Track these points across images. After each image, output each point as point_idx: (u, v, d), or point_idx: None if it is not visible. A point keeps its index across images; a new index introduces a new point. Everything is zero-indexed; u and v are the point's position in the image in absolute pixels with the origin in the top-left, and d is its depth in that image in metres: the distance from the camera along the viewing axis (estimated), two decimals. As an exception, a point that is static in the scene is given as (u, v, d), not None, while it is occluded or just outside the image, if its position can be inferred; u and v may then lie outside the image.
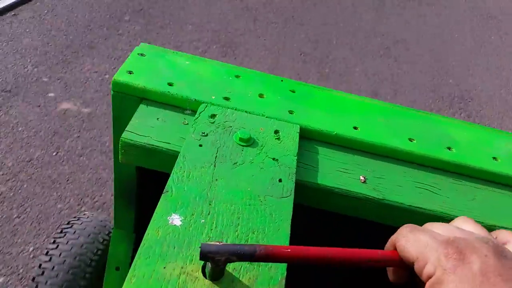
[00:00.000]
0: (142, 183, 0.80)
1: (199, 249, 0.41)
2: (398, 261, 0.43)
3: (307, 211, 0.69)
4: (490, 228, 0.66)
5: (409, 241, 0.42)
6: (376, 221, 0.68)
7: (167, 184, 0.56)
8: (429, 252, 0.39)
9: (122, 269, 0.96)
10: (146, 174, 0.73)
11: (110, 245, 0.94)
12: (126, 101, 0.74)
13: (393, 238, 0.46)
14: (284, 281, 0.47)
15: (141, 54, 0.79)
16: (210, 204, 0.54)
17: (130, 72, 0.74)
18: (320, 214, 0.72)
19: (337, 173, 0.68)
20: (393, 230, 0.48)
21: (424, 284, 0.39)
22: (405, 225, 0.45)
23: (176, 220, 0.51)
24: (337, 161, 0.71)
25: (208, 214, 0.53)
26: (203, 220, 0.52)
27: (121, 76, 0.73)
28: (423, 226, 0.46)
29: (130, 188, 0.81)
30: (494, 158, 0.76)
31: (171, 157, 0.63)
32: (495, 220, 0.67)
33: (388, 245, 0.46)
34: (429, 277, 0.38)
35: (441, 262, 0.38)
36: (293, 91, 0.80)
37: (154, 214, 0.52)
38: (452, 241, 0.39)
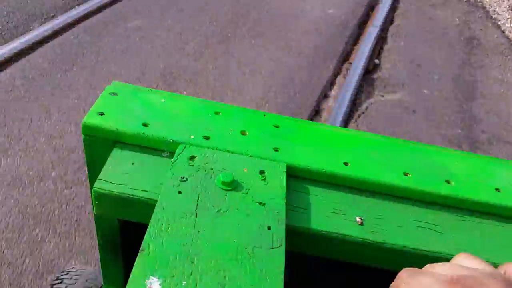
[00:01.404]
0: (127, 234, 0.73)
1: None
2: None
3: (299, 257, 0.62)
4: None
5: (411, 286, 0.37)
6: (375, 266, 0.63)
7: (143, 240, 0.50)
8: None
9: None
10: (130, 224, 0.66)
11: None
12: (98, 145, 0.67)
13: (393, 285, 0.42)
14: None
15: (113, 93, 0.73)
16: (192, 262, 0.48)
17: (101, 114, 0.68)
18: (313, 260, 0.65)
19: (331, 215, 0.63)
20: (391, 274, 0.44)
21: None
22: (404, 270, 0.41)
23: (154, 284, 0.45)
24: (329, 201, 0.65)
25: (191, 274, 0.46)
26: (184, 282, 0.45)
27: (91, 118, 0.67)
28: (423, 268, 0.41)
29: (114, 240, 0.73)
30: (496, 189, 0.71)
31: (149, 206, 0.57)
32: (506, 257, 0.62)
33: None
34: None
35: None
36: (277, 126, 0.75)
37: (130, 277, 0.45)
38: (457, 280, 0.36)
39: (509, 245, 0.64)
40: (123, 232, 0.72)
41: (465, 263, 0.42)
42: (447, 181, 0.70)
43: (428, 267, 0.42)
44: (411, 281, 0.39)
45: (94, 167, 0.68)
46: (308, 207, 0.63)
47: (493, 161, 0.80)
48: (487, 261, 0.59)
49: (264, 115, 0.78)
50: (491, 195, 0.70)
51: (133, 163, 0.64)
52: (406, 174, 0.70)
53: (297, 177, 0.67)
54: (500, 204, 0.69)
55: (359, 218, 0.63)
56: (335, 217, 0.62)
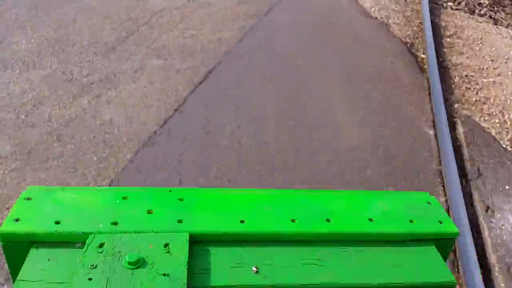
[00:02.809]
0: None
1: None
2: None
3: None
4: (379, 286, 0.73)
5: None
6: None
7: None
8: None
9: None
10: None
11: None
12: (16, 248, 0.74)
13: None
14: None
15: (28, 198, 0.81)
16: None
17: (17, 220, 0.75)
18: None
19: (231, 269, 0.73)
20: None
21: None
22: None
23: None
24: (229, 257, 0.76)
25: None
26: None
27: (8, 226, 0.74)
28: None
29: None
30: (370, 219, 0.85)
31: None
32: (382, 277, 0.75)
33: None
34: None
35: None
36: (181, 199, 0.86)
37: None
38: None
39: (381, 267, 0.77)
40: None
41: None
42: (328, 220, 0.84)
43: None
44: None
45: (16, 270, 0.74)
46: (210, 267, 0.73)
47: (366, 194, 0.95)
48: (363, 285, 0.73)
49: (170, 191, 0.89)
50: (365, 225, 0.84)
51: (49, 259, 0.71)
52: (293, 221, 0.82)
53: (200, 242, 0.78)
54: (372, 232, 0.83)
55: (255, 267, 0.74)
56: (234, 271, 0.73)
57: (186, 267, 0.69)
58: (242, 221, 0.81)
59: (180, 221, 0.79)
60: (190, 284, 0.67)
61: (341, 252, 0.80)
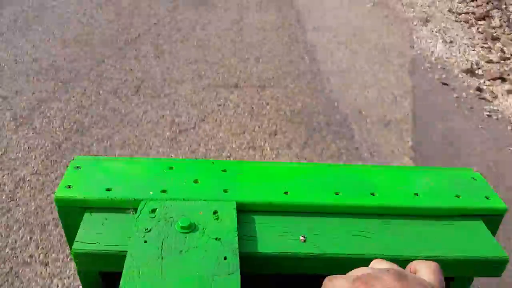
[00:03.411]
0: (110, 283, 0.81)
1: None
2: None
3: (255, 277, 0.73)
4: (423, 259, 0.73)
5: (327, 287, 0.49)
6: (319, 275, 0.74)
7: (119, 285, 0.59)
8: None
9: None
10: (110, 274, 0.75)
11: None
12: (71, 213, 0.77)
13: None
14: None
15: (77, 167, 0.83)
16: None
17: (69, 187, 0.78)
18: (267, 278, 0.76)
19: (278, 238, 0.74)
20: None
21: None
22: (327, 277, 0.51)
23: None
24: (276, 226, 0.77)
25: None
26: None
27: (61, 192, 0.77)
28: (346, 274, 0.52)
29: None
30: (415, 194, 0.85)
31: (122, 258, 0.67)
32: (431, 250, 0.75)
33: None
34: None
35: None
36: (225, 171, 0.87)
37: None
38: (360, 277, 0.47)
39: (427, 241, 0.77)
40: (106, 281, 0.80)
41: (376, 265, 0.53)
42: (372, 193, 0.84)
43: (349, 272, 0.52)
44: (329, 284, 0.50)
45: (70, 232, 0.77)
46: (258, 235, 0.74)
47: (410, 170, 0.94)
48: (411, 257, 0.73)
49: (212, 163, 0.90)
50: (410, 200, 0.83)
51: (103, 224, 0.73)
52: (337, 193, 0.83)
53: (246, 211, 0.79)
54: (418, 207, 0.82)
55: (302, 236, 0.75)
56: (281, 239, 0.74)
57: (237, 232, 0.70)
58: (286, 193, 0.82)
59: (226, 191, 0.81)
60: (240, 249, 0.69)
61: (387, 225, 0.80)
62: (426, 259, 0.70)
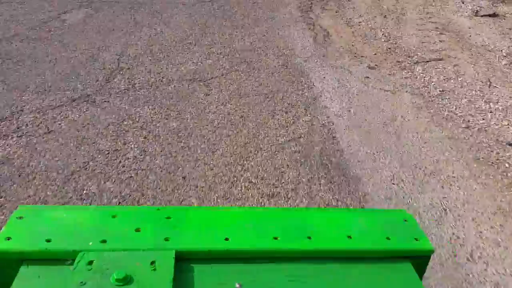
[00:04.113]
0: None
1: None
2: None
3: None
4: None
5: None
6: None
7: None
8: None
9: None
10: None
11: None
12: (7, 266, 0.77)
13: None
14: None
15: (20, 217, 0.84)
16: None
17: (8, 238, 0.78)
18: None
19: (214, 286, 0.76)
20: None
21: None
22: None
23: None
24: (213, 274, 0.79)
25: None
26: None
27: None
28: None
29: None
30: (348, 236, 0.89)
31: None
32: None
33: None
34: None
35: None
36: (169, 218, 0.89)
37: None
38: None
39: (359, 283, 0.81)
40: None
41: None
42: (309, 237, 0.87)
43: None
44: None
45: (5, 287, 0.77)
46: (193, 284, 0.76)
47: (346, 211, 0.99)
48: None
49: (158, 209, 0.92)
50: (343, 242, 0.87)
51: (39, 276, 0.74)
52: (275, 238, 0.86)
53: (185, 259, 0.81)
54: (351, 249, 0.86)
55: (238, 284, 0.77)
56: (217, 287, 0.76)
57: (172, 284, 0.72)
58: (226, 239, 0.84)
59: (166, 239, 0.82)
60: None
61: (322, 268, 0.83)
62: None
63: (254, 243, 0.84)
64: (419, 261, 0.87)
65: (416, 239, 0.89)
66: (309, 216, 0.94)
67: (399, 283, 0.81)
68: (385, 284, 0.81)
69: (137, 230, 0.84)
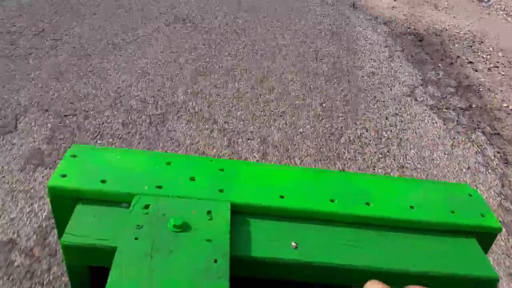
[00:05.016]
0: (99, 278, 0.80)
1: None
2: None
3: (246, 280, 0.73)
4: (415, 275, 0.73)
5: None
6: (309, 282, 0.73)
7: (106, 285, 0.58)
8: None
9: None
10: (100, 269, 0.74)
11: None
12: (63, 203, 0.76)
13: None
14: None
15: (73, 156, 0.82)
16: None
17: (64, 176, 0.77)
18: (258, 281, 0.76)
19: (270, 242, 0.74)
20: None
21: None
22: None
23: None
24: (268, 231, 0.76)
25: None
26: None
27: (55, 181, 0.76)
28: None
29: (85, 285, 0.80)
30: (410, 207, 0.84)
31: (111, 253, 0.66)
32: (421, 265, 0.74)
33: None
34: None
35: None
36: (222, 170, 0.86)
37: None
38: None
39: (420, 255, 0.77)
40: (95, 277, 0.79)
41: (370, 287, 0.52)
42: (367, 203, 0.83)
43: None
44: None
45: (61, 223, 0.76)
46: (250, 238, 0.74)
47: (407, 182, 0.93)
48: (402, 270, 0.72)
49: (211, 161, 0.89)
50: (405, 213, 0.82)
51: (94, 216, 0.73)
52: (332, 201, 0.82)
53: (240, 213, 0.78)
54: (413, 220, 0.81)
55: (294, 243, 0.74)
56: (274, 244, 0.73)
57: (229, 235, 0.70)
58: (281, 196, 0.81)
59: (221, 191, 0.80)
60: (232, 252, 0.68)
61: (380, 236, 0.79)
62: (418, 275, 0.70)
63: (310, 203, 0.81)
64: (485, 238, 0.82)
65: (482, 215, 0.84)
66: (369, 182, 0.90)
67: (464, 261, 0.76)
68: (449, 260, 0.76)
69: (192, 179, 0.82)
